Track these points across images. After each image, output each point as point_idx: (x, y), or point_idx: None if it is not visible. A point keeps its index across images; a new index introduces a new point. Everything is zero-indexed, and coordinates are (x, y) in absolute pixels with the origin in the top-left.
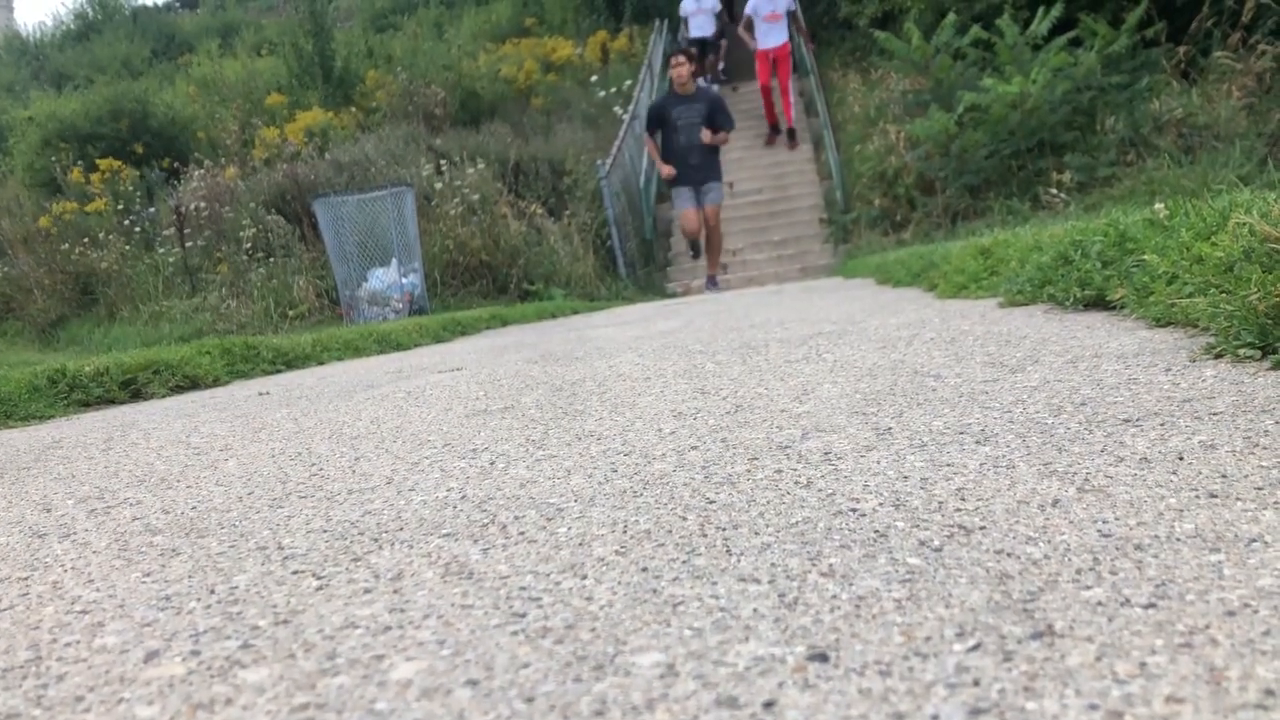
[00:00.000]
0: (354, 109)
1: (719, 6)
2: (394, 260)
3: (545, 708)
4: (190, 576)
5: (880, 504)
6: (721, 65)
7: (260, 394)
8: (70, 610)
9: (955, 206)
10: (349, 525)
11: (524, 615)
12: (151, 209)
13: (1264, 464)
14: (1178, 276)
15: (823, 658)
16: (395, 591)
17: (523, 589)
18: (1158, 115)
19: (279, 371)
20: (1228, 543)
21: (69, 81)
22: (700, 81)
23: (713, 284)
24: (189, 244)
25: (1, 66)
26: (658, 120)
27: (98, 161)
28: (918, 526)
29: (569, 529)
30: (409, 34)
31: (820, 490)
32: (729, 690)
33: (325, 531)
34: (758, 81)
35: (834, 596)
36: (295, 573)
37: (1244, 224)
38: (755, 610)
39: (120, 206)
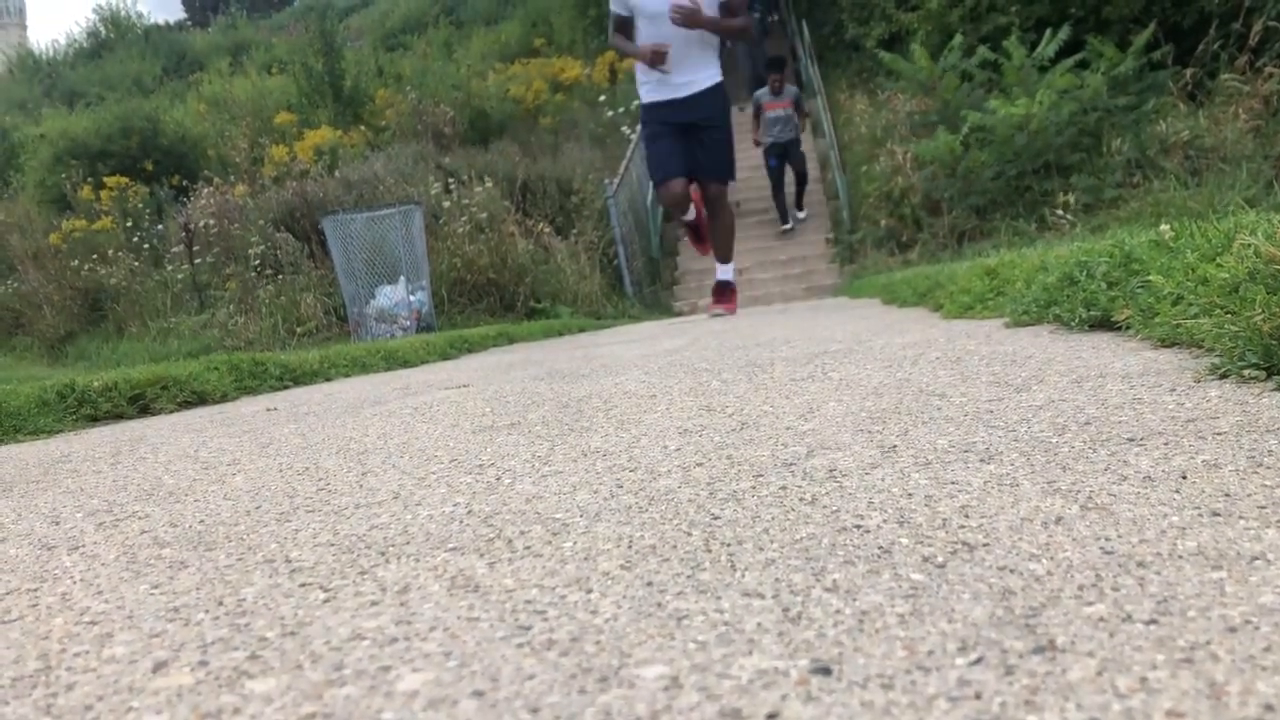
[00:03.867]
0: (363, 128)
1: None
2: (402, 278)
3: (550, 718)
4: (198, 588)
5: (884, 521)
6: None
7: (268, 410)
8: (79, 621)
9: (961, 227)
10: (356, 539)
11: (529, 628)
12: (160, 226)
13: (1267, 483)
14: (1183, 298)
15: (826, 671)
16: (402, 604)
17: (528, 602)
18: (1164, 137)
19: (286, 388)
20: (1230, 560)
21: (81, 99)
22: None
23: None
24: (197, 261)
25: (14, 84)
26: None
27: (105, 179)
28: (921, 543)
29: (574, 544)
30: (418, 53)
31: (825, 507)
32: (732, 702)
33: (332, 545)
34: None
35: (837, 611)
36: (303, 585)
37: (1249, 245)
38: (759, 624)
39: (129, 223)
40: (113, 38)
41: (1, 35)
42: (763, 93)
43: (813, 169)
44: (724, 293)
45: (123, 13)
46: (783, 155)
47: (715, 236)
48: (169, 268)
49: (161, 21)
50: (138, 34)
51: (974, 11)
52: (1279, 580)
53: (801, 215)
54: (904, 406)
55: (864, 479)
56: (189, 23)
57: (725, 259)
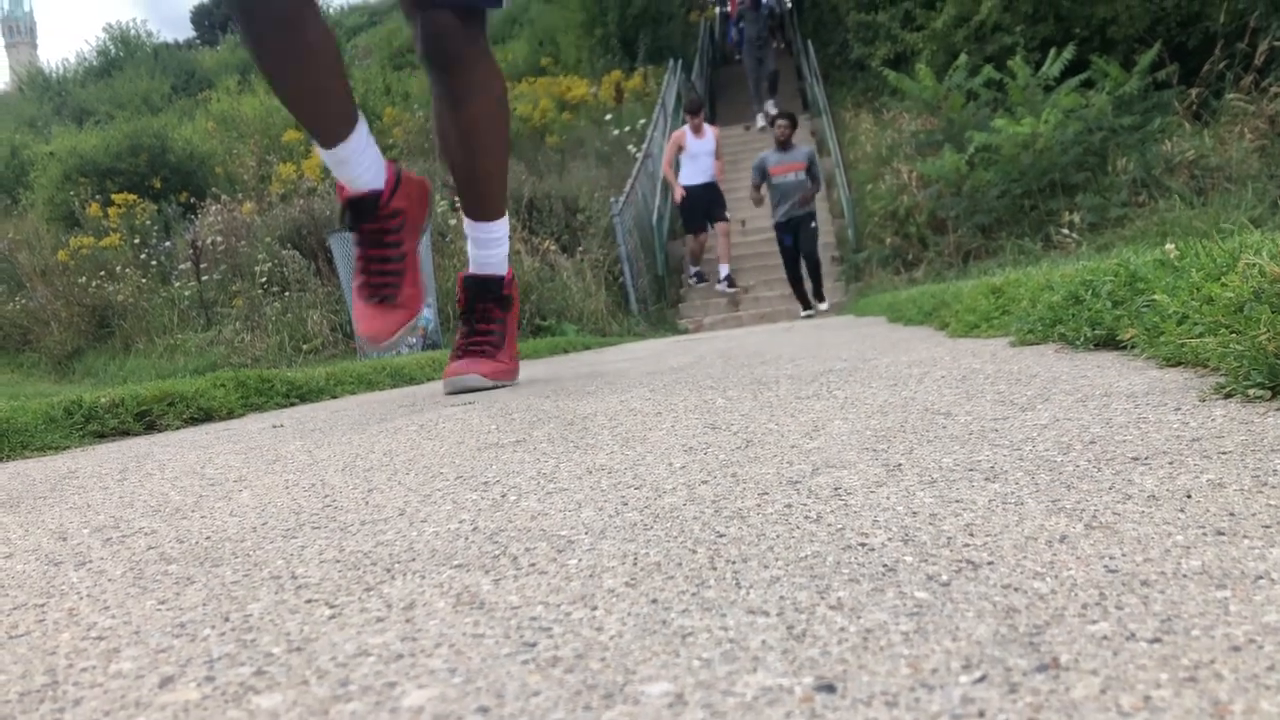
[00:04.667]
0: None
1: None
2: None
3: None
4: (205, 604)
5: (889, 539)
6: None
7: (274, 426)
8: (86, 636)
9: (967, 246)
10: (362, 555)
11: (534, 645)
12: (168, 243)
13: (1272, 502)
14: (1188, 317)
15: (830, 688)
16: (407, 620)
17: (533, 619)
18: (1169, 157)
19: (293, 404)
20: (1234, 579)
21: (90, 117)
22: None
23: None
24: (205, 278)
25: (25, 102)
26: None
27: (114, 196)
28: (926, 561)
29: (579, 561)
30: None
31: (830, 525)
32: (737, 719)
33: (338, 561)
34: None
35: (842, 629)
36: (309, 601)
37: (1254, 265)
38: (764, 642)
39: (137, 240)
40: (122, 56)
41: (12, 54)
42: (768, 154)
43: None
44: (475, 349)
45: (132, 32)
46: (797, 232)
47: (451, 150)
48: (176, 285)
49: (171, 40)
50: (147, 53)
51: (979, 31)
52: None
53: (824, 306)
54: (909, 425)
55: (869, 497)
56: (198, 41)
57: (477, 211)
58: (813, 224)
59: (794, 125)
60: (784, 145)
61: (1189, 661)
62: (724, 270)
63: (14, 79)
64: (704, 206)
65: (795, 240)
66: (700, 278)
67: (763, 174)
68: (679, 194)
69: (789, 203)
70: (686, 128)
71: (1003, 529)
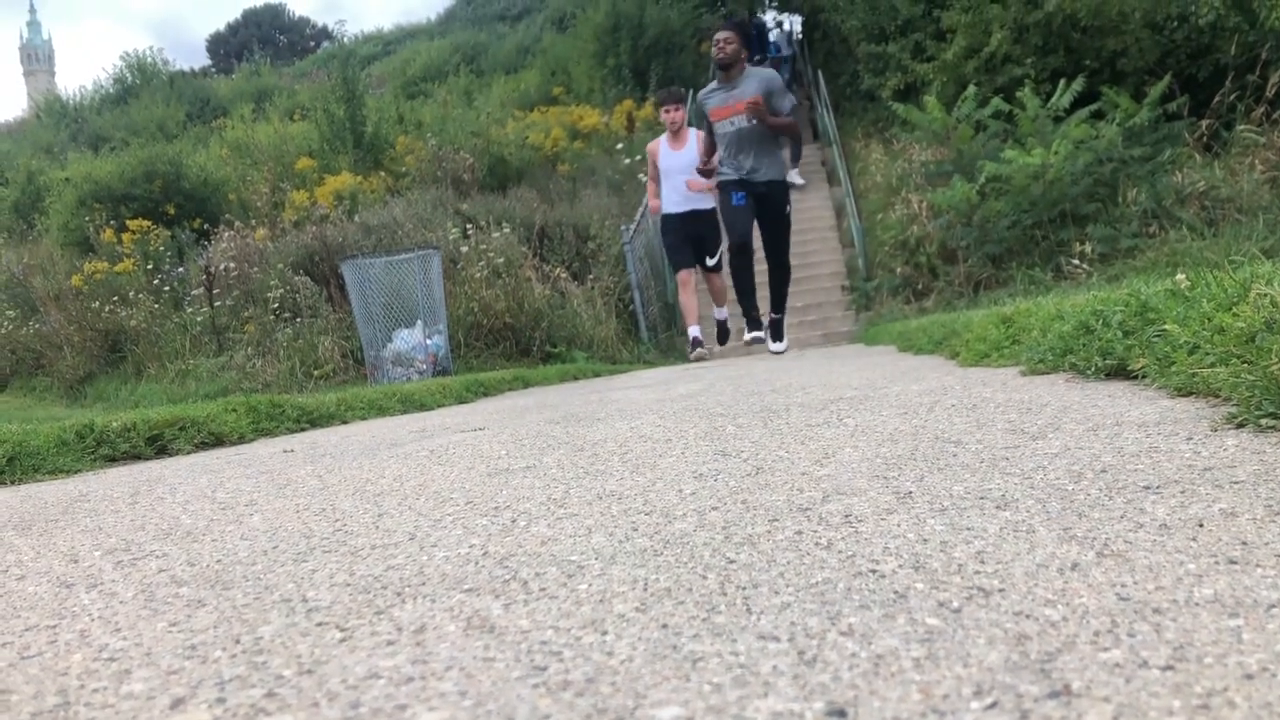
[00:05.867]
0: (383, 173)
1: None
2: (419, 322)
3: None
4: (216, 627)
5: (900, 566)
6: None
7: (285, 451)
8: (98, 658)
9: (977, 275)
10: (372, 579)
11: (545, 669)
12: (181, 269)
13: None
14: (1199, 346)
15: (841, 714)
16: (418, 644)
17: (544, 643)
18: (1180, 188)
19: (303, 430)
20: (1247, 608)
21: (106, 143)
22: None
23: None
24: (217, 304)
25: (42, 129)
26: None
27: (128, 222)
28: (937, 588)
29: (590, 586)
30: (439, 101)
31: (840, 552)
32: None
33: (349, 585)
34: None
35: (853, 655)
36: (319, 624)
37: (1265, 295)
38: (775, 667)
39: (150, 266)
40: (139, 84)
41: (31, 81)
42: (709, 92)
43: (827, 217)
44: None
45: (149, 60)
46: (757, 199)
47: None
48: (188, 310)
49: (186, 68)
50: (163, 80)
51: (989, 63)
52: None
53: (781, 347)
54: (920, 453)
55: (880, 524)
56: (213, 69)
57: None
58: (787, 208)
59: (743, 40)
60: (727, 71)
61: (1202, 690)
62: (720, 314)
63: (32, 106)
64: (692, 240)
65: (752, 209)
66: (698, 344)
67: (704, 116)
68: (653, 205)
69: (740, 156)
70: (662, 138)
71: (1014, 556)
